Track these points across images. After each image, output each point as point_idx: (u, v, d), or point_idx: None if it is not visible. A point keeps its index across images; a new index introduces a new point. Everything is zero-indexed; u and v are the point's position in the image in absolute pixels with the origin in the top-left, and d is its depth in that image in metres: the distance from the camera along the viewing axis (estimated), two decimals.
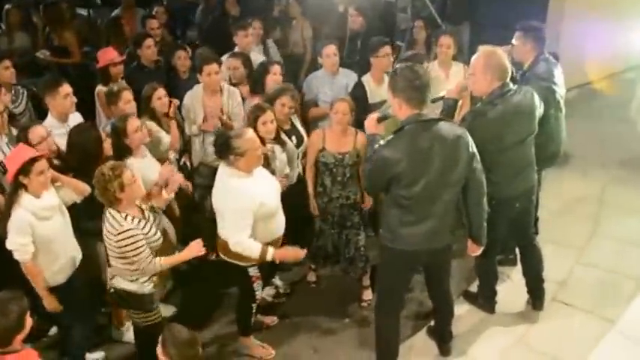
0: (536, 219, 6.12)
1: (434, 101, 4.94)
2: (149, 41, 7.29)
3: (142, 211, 4.72)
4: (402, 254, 4.54)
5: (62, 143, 5.36)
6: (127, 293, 4.69)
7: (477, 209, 4.57)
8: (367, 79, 6.55)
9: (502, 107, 4.72)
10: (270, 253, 4.81)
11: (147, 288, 4.67)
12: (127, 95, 5.86)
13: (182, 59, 7.20)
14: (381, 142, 4.34)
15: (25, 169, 4.53)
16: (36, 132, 5.13)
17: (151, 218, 4.72)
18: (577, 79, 8.79)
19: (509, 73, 4.81)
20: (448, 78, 6.57)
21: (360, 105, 6.02)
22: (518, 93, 4.82)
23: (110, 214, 4.48)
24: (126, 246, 4.44)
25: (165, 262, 4.64)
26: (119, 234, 4.43)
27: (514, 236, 5.59)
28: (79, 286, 4.99)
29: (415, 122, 4.22)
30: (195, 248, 4.71)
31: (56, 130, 5.53)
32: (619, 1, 9.01)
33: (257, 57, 7.35)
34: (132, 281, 4.64)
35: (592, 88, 9.35)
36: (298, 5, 9.36)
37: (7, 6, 9.23)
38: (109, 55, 6.73)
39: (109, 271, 4.75)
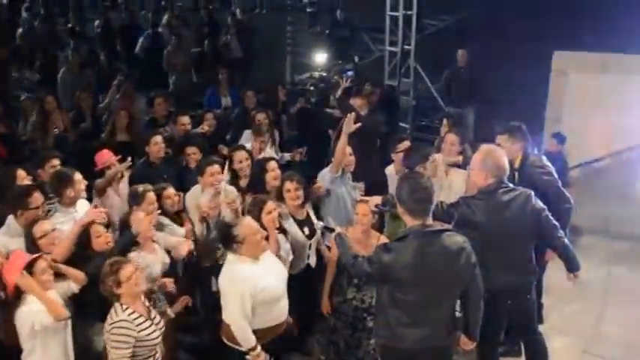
0: (541, 305, 6.19)
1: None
2: (157, 138, 7.40)
3: (149, 309, 4.81)
4: (400, 352, 4.58)
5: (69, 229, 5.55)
6: None
7: (475, 310, 4.66)
8: (390, 171, 6.89)
9: (486, 202, 4.95)
10: (257, 352, 4.89)
11: None
12: (151, 198, 5.94)
13: (192, 155, 7.35)
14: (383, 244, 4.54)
15: (30, 270, 4.67)
16: (40, 227, 5.29)
17: (157, 319, 4.84)
18: (580, 157, 8.92)
19: (506, 172, 5.04)
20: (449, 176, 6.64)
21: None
22: (512, 191, 5.02)
23: (113, 307, 4.63)
24: (113, 335, 4.51)
25: None
26: (112, 324, 4.52)
27: (516, 327, 5.64)
28: None
29: (418, 233, 4.35)
30: None
31: (63, 217, 5.80)
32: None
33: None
34: None
35: (595, 167, 9.46)
36: None
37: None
38: (104, 158, 6.88)
39: None
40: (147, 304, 4.87)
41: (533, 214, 5.05)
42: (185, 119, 8.44)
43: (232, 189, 6.58)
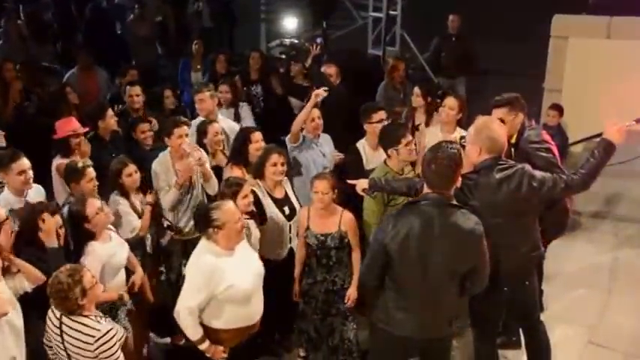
0: (541, 292, 5.86)
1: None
2: (110, 112, 7.10)
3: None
4: (396, 339, 4.47)
5: None
6: None
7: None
8: (362, 145, 6.63)
9: (477, 183, 4.66)
10: (205, 346, 4.77)
11: None
12: (91, 173, 5.72)
13: (145, 132, 7.07)
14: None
15: None
16: None
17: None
18: (581, 131, 8.47)
19: (504, 147, 4.72)
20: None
21: (355, 170, 6.12)
22: (507, 169, 4.67)
23: (78, 323, 4.25)
24: (106, 351, 4.22)
25: None
26: (98, 339, 4.19)
27: (514, 317, 5.40)
28: None
29: (428, 202, 4.25)
30: None
31: (14, 205, 5.43)
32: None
33: (227, 123, 7.31)
34: None
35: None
36: None
37: None
38: (69, 126, 6.48)
39: None
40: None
41: (530, 191, 4.68)
42: (136, 89, 8.01)
43: (203, 152, 6.41)
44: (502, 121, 5.21)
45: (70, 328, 4.24)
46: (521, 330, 5.45)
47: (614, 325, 6.13)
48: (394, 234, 4.24)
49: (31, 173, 5.65)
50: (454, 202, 4.30)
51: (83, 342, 4.21)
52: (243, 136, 6.38)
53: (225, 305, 4.77)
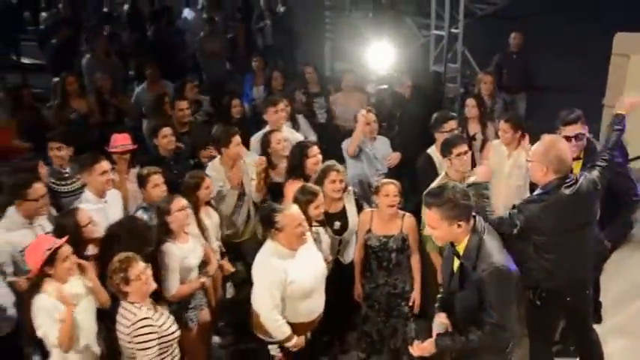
0: (599, 305, 6.13)
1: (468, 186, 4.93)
2: (166, 130, 7.25)
3: (154, 305, 4.82)
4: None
5: (97, 220, 5.57)
6: None
7: None
8: (433, 151, 6.80)
9: (548, 204, 4.75)
10: (293, 342, 5.03)
11: None
12: (156, 179, 6.00)
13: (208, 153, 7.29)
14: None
15: (50, 259, 4.63)
16: (84, 214, 5.33)
17: (166, 312, 4.88)
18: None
19: (570, 167, 4.81)
20: (510, 156, 6.70)
21: (429, 176, 6.25)
22: (574, 184, 4.77)
23: (122, 307, 4.63)
24: (137, 336, 4.51)
25: None
26: (133, 324, 4.53)
27: (572, 326, 5.52)
28: None
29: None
30: None
31: (92, 205, 5.80)
32: None
33: (289, 134, 7.52)
34: None
35: None
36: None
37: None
38: (119, 142, 6.78)
39: None
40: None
41: (595, 193, 4.89)
42: (183, 104, 8.26)
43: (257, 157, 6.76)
44: (575, 137, 5.39)
45: (119, 314, 4.62)
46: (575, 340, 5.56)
47: None
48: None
49: (111, 175, 5.98)
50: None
51: (122, 326, 4.57)
52: (300, 151, 6.51)
53: (286, 301, 5.00)
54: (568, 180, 4.72)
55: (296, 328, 5.11)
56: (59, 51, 12.56)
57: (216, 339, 6.59)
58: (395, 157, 7.40)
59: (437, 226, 4.12)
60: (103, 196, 5.99)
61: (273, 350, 5.15)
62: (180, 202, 5.49)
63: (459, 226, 4.07)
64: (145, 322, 4.51)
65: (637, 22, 9.40)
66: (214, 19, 13.45)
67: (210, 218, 6.18)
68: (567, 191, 4.70)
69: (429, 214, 4.17)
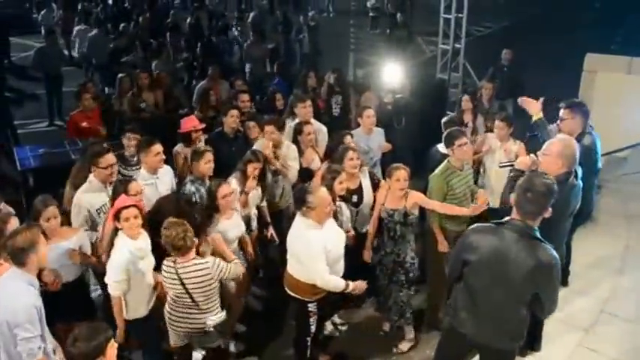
0: (568, 272, 6.12)
1: (502, 166, 4.84)
2: (234, 112, 7.18)
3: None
4: (457, 333, 4.24)
5: (149, 192, 5.66)
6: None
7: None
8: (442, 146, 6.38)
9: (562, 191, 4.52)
10: (351, 286, 5.00)
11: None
12: (209, 156, 5.89)
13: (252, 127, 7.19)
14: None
15: (118, 215, 4.73)
16: (134, 186, 5.32)
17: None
18: (606, 149, 8.66)
19: (576, 164, 4.67)
20: (503, 148, 6.77)
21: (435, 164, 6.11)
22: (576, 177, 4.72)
23: (194, 263, 4.67)
24: (227, 265, 4.74)
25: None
26: (213, 266, 4.67)
27: None
28: (155, 317, 5.04)
29: (512, 227, 3.92)
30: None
31: (146, 181, 5.78)
32: None
33: (317, 124, 7.47)
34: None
35: (617, 157, 9.23)
36: None
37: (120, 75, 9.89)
38: (191, 123, 6.75)
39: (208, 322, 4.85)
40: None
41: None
42: (245, 97, 8.26)
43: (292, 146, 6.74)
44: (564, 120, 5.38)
45: (193, 268, 4.65)
46: None
47: (623, 297, 6.15)
48: (475, 247, 4.00)
49: (163, 156, 5.91)
50: (536, 235, 3.89)
51: (205, 275, 4.64)
52: (339, 138, 6.61)
53: None
54: (571, 177, 4.61)
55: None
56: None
57: (256, 290, 6.67)
58: (387, 147, 7.42)
59: None
60: (155, 173, 5.91)
61: (312, 307, 5.11)
62: (227, 189, 5.43)
63: None
64: (217, 262, 4.74)
65: (605, 44, 9.58)
66: (259, 31, 13.64)
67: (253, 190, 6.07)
68: (574, 182, 4.63)
69: None
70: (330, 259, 4.92)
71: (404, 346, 5.99)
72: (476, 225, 4.23)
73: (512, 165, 5.21)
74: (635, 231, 7.48)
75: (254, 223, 6.13)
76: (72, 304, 4.92)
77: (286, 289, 5.21)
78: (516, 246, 3.87)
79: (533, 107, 5.39)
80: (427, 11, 12.70)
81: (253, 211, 6.13)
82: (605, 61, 9.62)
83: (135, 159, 6.54)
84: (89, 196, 5.55)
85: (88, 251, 5.24)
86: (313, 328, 5.24)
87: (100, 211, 5.50)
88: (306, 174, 6.65)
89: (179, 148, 6.72)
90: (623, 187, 8.59)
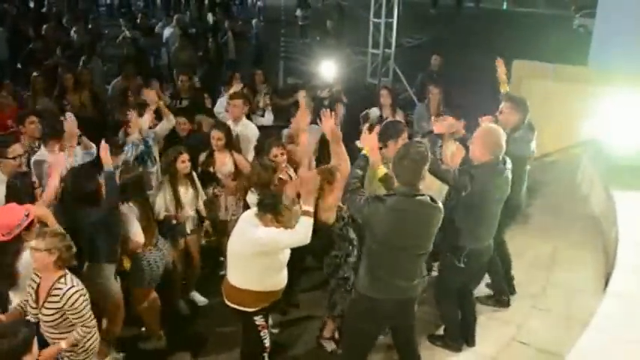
0: (512, 278, 6.21)
1: (424, 136, 4.84)
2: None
3: None
4: (372, 303, 4.29)
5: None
6: None
7: None
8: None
9: (481, 173, 4.70)
10: (309, 209, 4.54)
11: None
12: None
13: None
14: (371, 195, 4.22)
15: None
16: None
17: None
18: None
19: (503, 150, 4.75)
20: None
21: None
22: (502, 163, 4.83)
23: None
24: None
25: None
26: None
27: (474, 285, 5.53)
28: None
29: (403, 194, 4.05)
30: None
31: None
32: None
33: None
34: None
35: (546, 161, 9.48)
36: None
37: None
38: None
39: None
40: None
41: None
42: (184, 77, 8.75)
43: None
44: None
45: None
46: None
47: (552, 294, 6.25)
48: (371, 216, 4.07)
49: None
50: (420, 193, 4.06)
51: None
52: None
53: (269, 271, 4.67)
54: (500, 162, 4.76)
55: (269, 295, 4.77)
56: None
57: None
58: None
59: None
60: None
61: (259, 320, 4.77)
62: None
63: None
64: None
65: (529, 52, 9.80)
66: (186, 35, 13.48)
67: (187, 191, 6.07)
68: (496, 169, 4.74)
69: None
70: (275, 265, 4.69)
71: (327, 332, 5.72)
72: (371, 197, 4.16)
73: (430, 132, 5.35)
74: (563, 230, 7.63)
75: (189, 225, 6.12)
76: None
77: (226, 301, 4.81)
78: (412, 209, 4.00)
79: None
80: (357, 20, 12.74)
81: (191, 213, 6.12)
82: (531, 67, 9.88)
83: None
84: None
85: None
86: (267, 342, 4.87)
87: None
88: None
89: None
90: (553, 190, 8.79)
